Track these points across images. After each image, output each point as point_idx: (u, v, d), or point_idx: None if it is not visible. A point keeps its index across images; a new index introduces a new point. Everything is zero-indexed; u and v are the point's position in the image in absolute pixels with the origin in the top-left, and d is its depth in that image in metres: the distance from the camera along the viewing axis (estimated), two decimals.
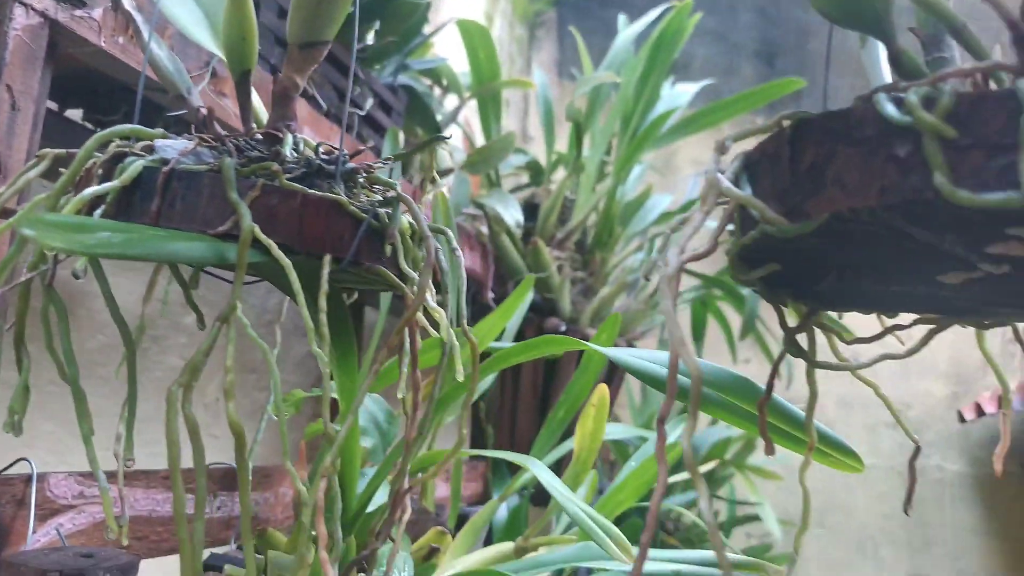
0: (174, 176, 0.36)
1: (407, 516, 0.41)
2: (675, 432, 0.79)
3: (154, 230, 0.34)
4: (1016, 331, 0.41)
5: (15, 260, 0.34)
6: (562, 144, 1.37)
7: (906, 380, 1.97)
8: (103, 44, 0.54)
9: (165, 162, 0.36)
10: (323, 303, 0.35)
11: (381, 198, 0.41)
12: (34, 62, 0.49)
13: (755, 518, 1.84)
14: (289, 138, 0.41)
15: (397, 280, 0.39)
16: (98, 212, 0.35)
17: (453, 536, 0.77)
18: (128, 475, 0.62)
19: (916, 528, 1.94)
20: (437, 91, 1.22)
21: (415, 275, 0.39)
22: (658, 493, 0.29)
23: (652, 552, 0.61)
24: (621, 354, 0.47)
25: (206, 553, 0.67)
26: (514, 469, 1.14)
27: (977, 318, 0.39)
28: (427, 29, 1.04)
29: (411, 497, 0.75)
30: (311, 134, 0.80)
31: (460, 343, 0.43)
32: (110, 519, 0.35)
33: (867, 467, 1.74)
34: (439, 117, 1.16)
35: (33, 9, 0.49)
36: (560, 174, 1.38)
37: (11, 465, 0.53)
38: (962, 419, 1.81)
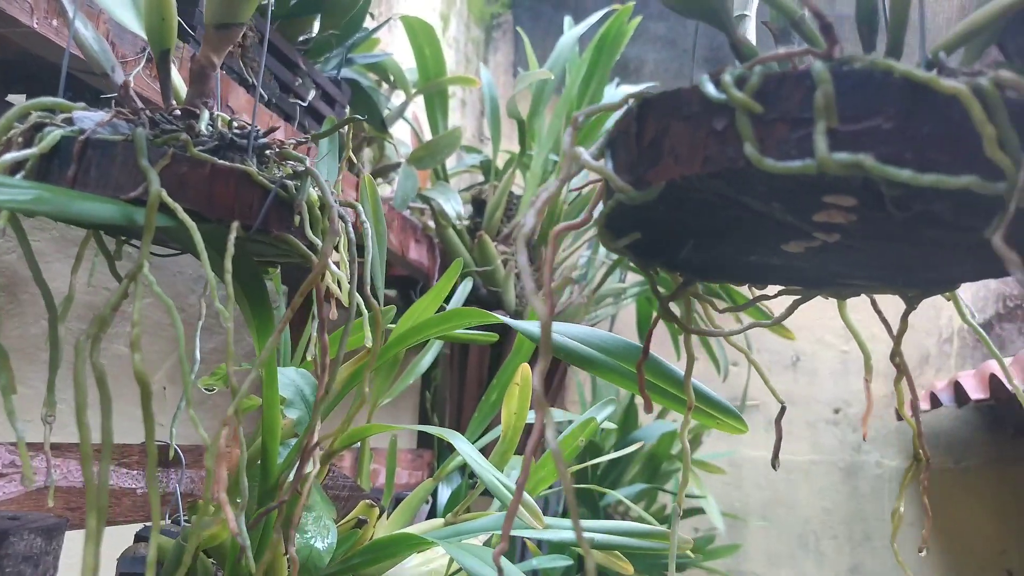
0: (90, 144, 0.38)
1: (314, 472, 0.44)
2: (601, 413, 0.83)
3: (67, 190, 0.36)
4: (873, 302, 0.46)
5: None
6: (516, 144, 1.40)
7: (845, 378, 2.03)
8: (36, 26, 0.56)
9: (83, 132, 0.38)
10: (228, 265, 0.38)
11: (292, 172, 0.44)
12: None
13: (700, 511, 1.88)
14: (205, 114, 0.43)
15: (305, 249, 0.42)
16: (18, 177, 0.38)
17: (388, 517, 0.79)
18: (65, 447, 0.64)
19: (856, 522, 2.01)
20: (385, 87, 1.25)
21: (327, 257, 0.42)
22: (534, 437, 0.32)
23: (564, 521, 0.65)
24: (522, 325, 0.50)
25: (139, 526, 0.70)
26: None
27: (835, 289, 0.43)
28: (374, 25, 1.07)
29: (344, 475, 0.78)
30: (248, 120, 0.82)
31: (371, 312, 0.46)
32: (24, 458, 0.38)
33: (809, 463, 1.78)
34: (386, 112, 1.18)
35: None
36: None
37: None
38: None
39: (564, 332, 0.49)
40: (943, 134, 0.27)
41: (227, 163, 0.40)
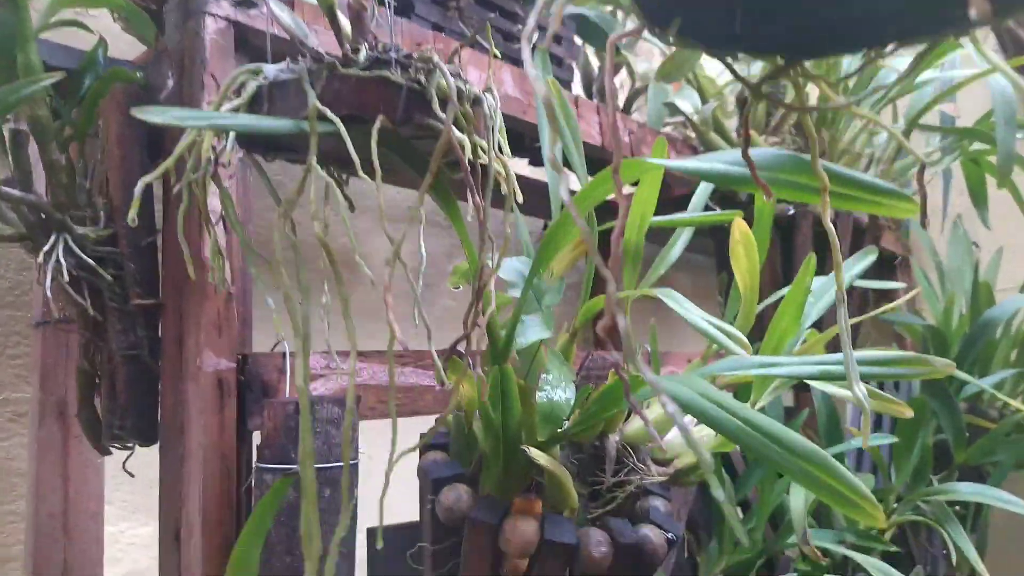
0: (273, 85, 0.51)
1: (490, 311, 0.52)
2: (854, 268, 0.80)
3: (259, 116, 0.49)
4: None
5: (186, 148, 0.51)
6: None
7: None
8: (275, 30, 0.72)
9: (267, 78, 0.51)
10: (374, 146, 0.47)
11: (426, 69, 0.52)
12: (226, 54, 0.69)
13: None
14: (364, 46, 0.54)
15: (439, 125, 0.50)
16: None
17: None
18: (369, 354, 0.80)
19: None
20: (620, 15, 1.29)
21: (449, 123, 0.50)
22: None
23: (798, 358, 0.65)
24: (676, 162, 0.53)
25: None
26: None
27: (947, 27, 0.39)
28: None
29: (604, 358, 0.85)
30: (476, 72, 0.93)
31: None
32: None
33: None
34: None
35: (218, 16, 0.68)
36: None
37: (275, 346, 0.73)
38: None
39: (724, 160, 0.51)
40: None
41: (366, 73, 0.50)
